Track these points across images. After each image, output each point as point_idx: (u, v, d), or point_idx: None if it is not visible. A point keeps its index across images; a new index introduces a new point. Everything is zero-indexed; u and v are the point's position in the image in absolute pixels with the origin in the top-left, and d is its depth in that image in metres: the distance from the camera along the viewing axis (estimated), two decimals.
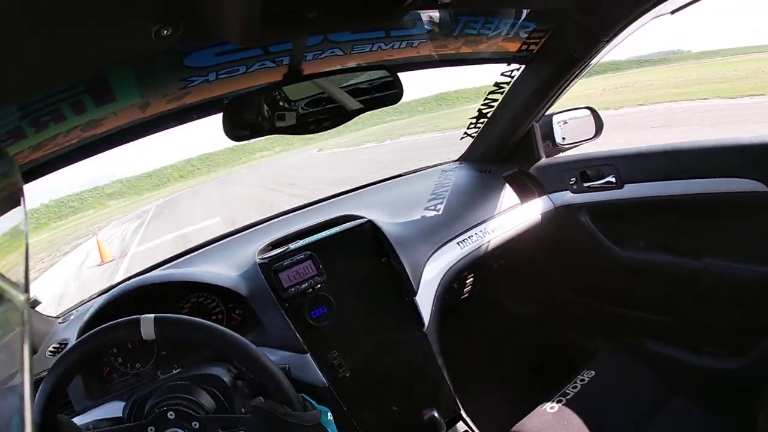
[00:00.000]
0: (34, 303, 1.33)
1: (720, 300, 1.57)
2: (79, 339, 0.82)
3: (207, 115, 1.22)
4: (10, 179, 0.52)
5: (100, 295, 1.34)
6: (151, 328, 0.80)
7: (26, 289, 0.40)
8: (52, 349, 1.22)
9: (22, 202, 0.47)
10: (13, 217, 0.45)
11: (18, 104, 0.77)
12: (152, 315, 0.81)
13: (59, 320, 1.38)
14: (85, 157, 1.08)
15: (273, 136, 1.12)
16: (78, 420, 0.92)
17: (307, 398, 0.84)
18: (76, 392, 1.10)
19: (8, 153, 0.86)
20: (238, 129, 1.09)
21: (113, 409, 1.06)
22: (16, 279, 0.39)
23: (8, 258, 0.42)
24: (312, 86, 1.15)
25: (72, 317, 1.36)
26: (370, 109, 1.19)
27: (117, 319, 0.83)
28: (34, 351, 1.24)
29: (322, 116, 1.15)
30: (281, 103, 1.12)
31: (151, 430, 0.79)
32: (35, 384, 0.79)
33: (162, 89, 1.04)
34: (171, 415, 0.80)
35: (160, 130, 1.18)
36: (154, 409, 0.82)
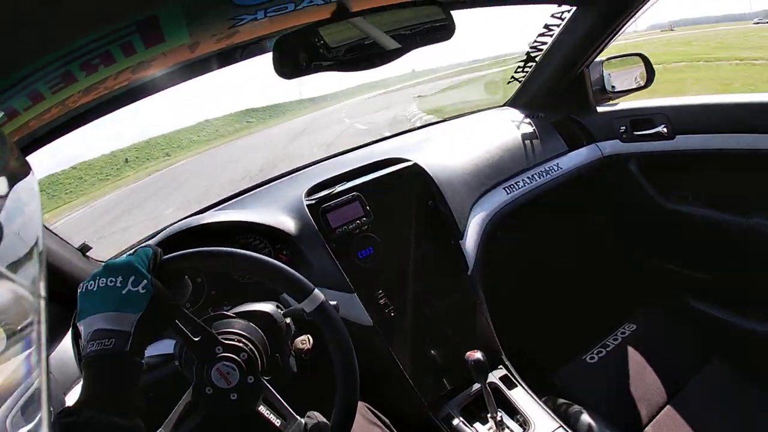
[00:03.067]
0: (85, 248, 1.36)
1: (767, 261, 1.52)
2: (262, 258, 0.83)
3: (254, 55, 1.18)
4: (15, 166, 0.49)
5: (149, 238, 1.37)
6: (313, 306, 0.83)
7: (41, 286, 0.39)
8: None
9: (34, 189, 0.45)
10: (27, 208, 0.43)
11: (68, 48, 0.75)
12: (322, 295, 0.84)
13: None
14: (135, 101, 1.07)
15: None
16: None
17: None
18: None
19: (8, 140, 0.82)
20: (289, 67, 1.07)
21: (164, 346, 1.10)
22: (30, 276, 0.39)
23: (23, 254, 0.40)
24: (356, 27, 1.10)
25: None
26: (420, 46, 1.14)
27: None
28: None
29: (372, 53, 1.11)
30: (329, 43, 1.08)
31: (218, 349, 0.80)
32: None
33: (211, 29, 1.00)
34: (243, 355, 0.80)
35: (208, 71, 1.15)
36: (228, 336, 0.84)
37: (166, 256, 0.80)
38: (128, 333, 0.68)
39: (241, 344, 0.82)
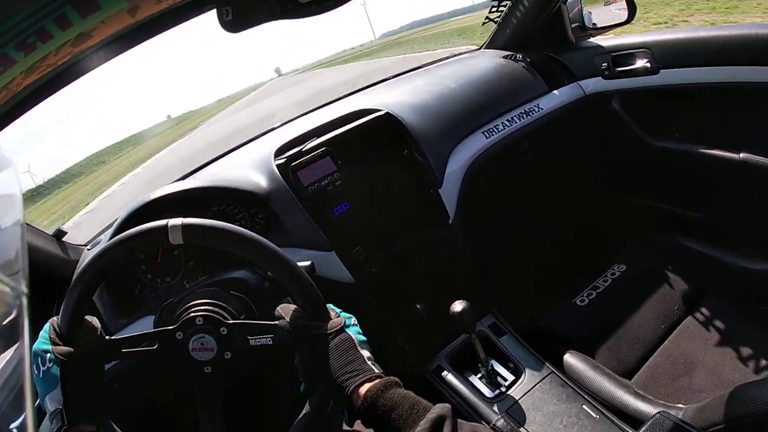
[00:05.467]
0: (60, 234, 1.34)
1: (758, 197, 1.49)
2: (108, 243, 0.78)
3: (201, 12, 1.11)
4: None
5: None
6: (179, 233, 0.76)
7: (24, 279, 0.38)
8: None
9: (16, 188, 0.43)
10: (6, 204, 0.41)
11: None
12: (180, 219, 0.77)
13: (87, 247, 1.40)
14: (83, 74, 1.00)
15: None
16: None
17: (332, 307, 0.83)
18: (110, 314, 1.13)
19: None
20: (236, 19, 1.00)
21: (146, 324, 1.10)
22: (12, 270, 0.37)
23: (5, 249, 0.39)
24: None
25: (100, 242, 1.37)
26: None
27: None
28: (66, 281, 1.27)
29: None
30: None
31: (178, 335, 0.79)
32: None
33: None
34: (199, 320, 0.79)
35: (154, 35, 1.07)
36: (182, 315, 0.82)
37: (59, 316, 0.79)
38: (59, 410, 0.72)
39: (192, 313, 0.82)
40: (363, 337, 0.80)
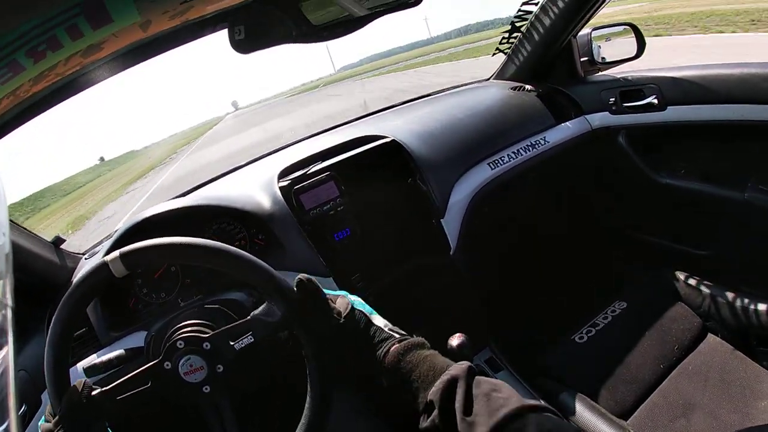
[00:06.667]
0: (58, 241, 1.34)
1: (761, 236, 1.47)
2: (60, 303, 0.76)
3: (214, 30, 1.12)
4: None
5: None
6: (119, 265, 0.74)
7: (9, 290, 0.37)
8: None
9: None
10: None
11: (11, 36, 0.70)
12: (117, 251, 0.75)
13: (85, 256, 1.40)
14: (90, 86, 1.01)
15: None
16: (103, 352, 0.93)
17: (329, 291, 0.83)
18: (102, 327, 1.11)
19: None
20: (247, 40, 1.00)
21: (137, 339, 1.07)
22: None
23: None
24: None
25: (98, 252, 1.36)
26: (387, 13, 1.04)
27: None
28: (62, 287, 1.26)
29: (335, 22, 1.03)
30: (292, 11, 1.02)
31: (166, 365, 0.77)
32: None
33: (162, 5, 0.94)
34: (180, 344, 0.77)
35: (165, 50, 1.08)
36: (166, 344, 0.80)
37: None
38: None
39: (172, 340, 0.80)
40: (369, 308, 0.84)
